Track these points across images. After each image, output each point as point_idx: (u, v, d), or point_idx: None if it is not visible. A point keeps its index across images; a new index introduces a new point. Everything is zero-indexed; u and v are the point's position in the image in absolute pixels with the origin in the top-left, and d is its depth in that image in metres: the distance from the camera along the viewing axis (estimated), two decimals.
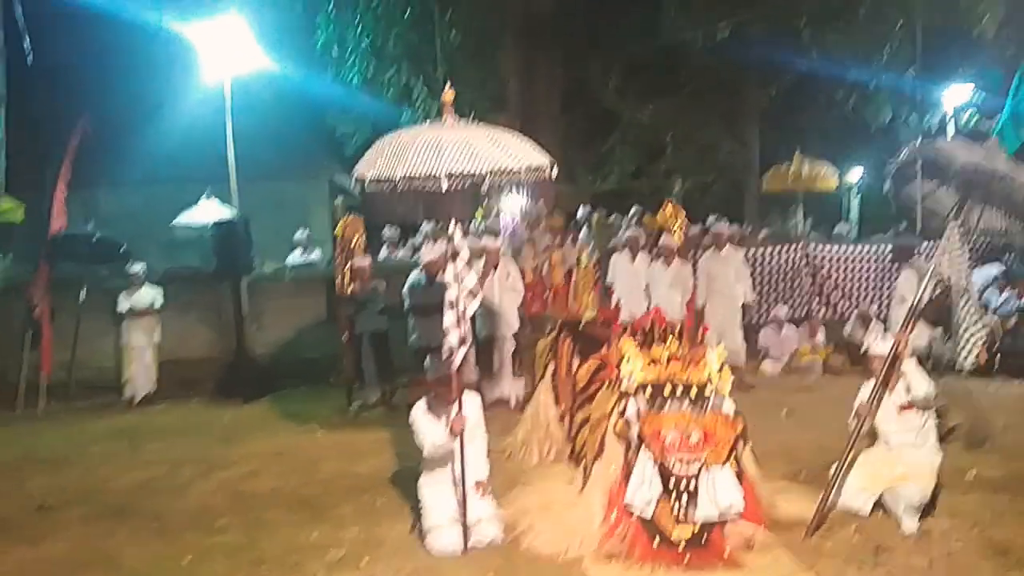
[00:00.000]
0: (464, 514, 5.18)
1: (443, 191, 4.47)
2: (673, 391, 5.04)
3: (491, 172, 4.52)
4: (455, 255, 4.92)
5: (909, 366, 5.49)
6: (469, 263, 5.12)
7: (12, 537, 5.75)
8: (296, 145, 13.91)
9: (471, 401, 5.49)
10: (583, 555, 4.98)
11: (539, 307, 11.12)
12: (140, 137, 12.58)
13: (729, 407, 5.15)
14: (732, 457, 5.07)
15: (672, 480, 4.91)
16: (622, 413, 5.20)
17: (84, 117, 11.24)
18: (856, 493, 5.44)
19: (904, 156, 6.04)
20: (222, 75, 11.10)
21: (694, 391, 5.04)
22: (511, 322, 9.37)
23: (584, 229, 12.22)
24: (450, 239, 4.91)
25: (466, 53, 10.61)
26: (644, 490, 4.94)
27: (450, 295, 4.96)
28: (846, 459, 5.39)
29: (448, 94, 5.04)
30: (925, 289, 5.64)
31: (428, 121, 5.28)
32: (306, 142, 14.22)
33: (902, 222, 11.29)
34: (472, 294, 5.03)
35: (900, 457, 5.47)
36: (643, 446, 5.00)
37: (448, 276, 4.90)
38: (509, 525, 5.37)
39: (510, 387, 9.18)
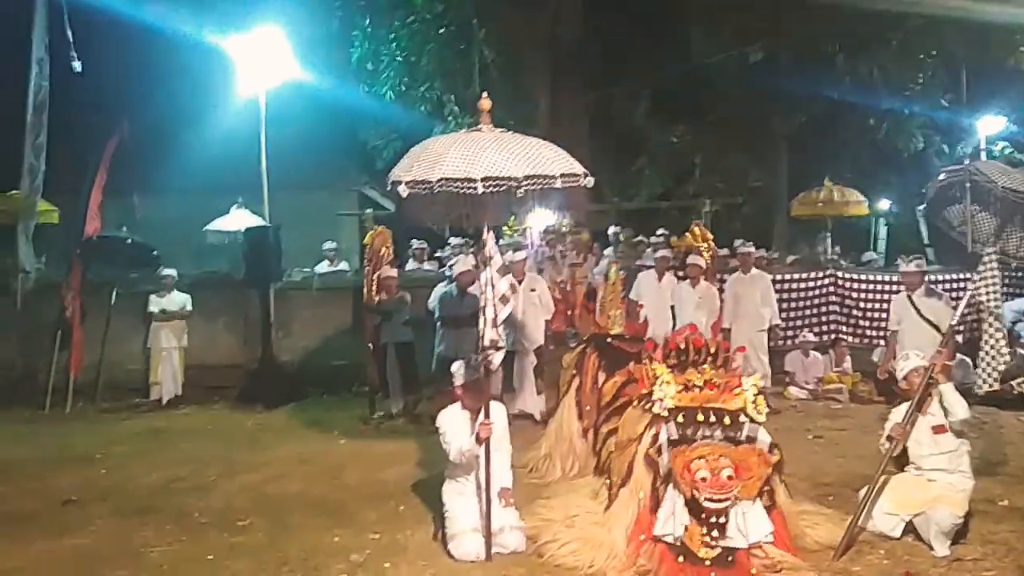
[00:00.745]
0: (488, 522, 5.15)
1: (479, 193, 4.49)
2: (706, 418, 4.96)
3: (527, 177, 4.54)
4: (488, 260, 4.94)
5: (947, 388, 5.40)
6: (501, 269, 5.14)
7: (38, 530, 5.81)
8: (327, 157, 14.07)
9: (498, 410, 5.48)
10: (607, 570, 4.92)
11: (561, 323, 11.15)
12: (176, 146, 12.81)
13: (765, 438, 5.06)
14: (763, 490, 5.00)
15: (703, 515, 4.82)
16: (655, 438, 5.12)
17: (121, 124, 11.48)
18: (886, 517, 5.35)
19: (943, 178, 6.00)
20: (258, 87, 11.27)
21: (727, 419, 4.96)
22: (533, 337, 9.37)
23: (610, 248, 12.24)
24: (483, 244, 4.93)
25: (498, 72, 10.71)
26: (673, 523, 4.87)
27: (483, 300, 4.96)
28: (877, 482, 5.30)
29: (485, 102, 5.09)
30: (961, 312, 5.56)
31: (465, 130, 5.30)
32: (337, 154, 14.38)
33: (927, 250, 11.17)
34: (504, 299, 5.03)
35: (932, 482, 5.38)
36: (671, 482, 4.92)
37: (481, 280, 4.91)
38: (532, 536, 5.34)
39: (533, 402, 9.16)
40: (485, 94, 5.06)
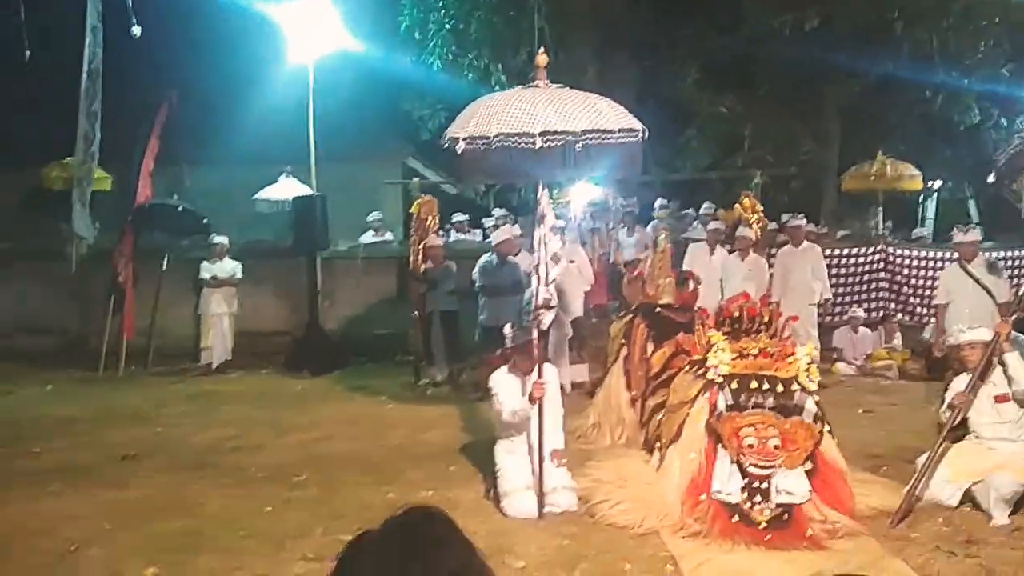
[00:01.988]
0: (540, 481, 5.17)
1: (536, 148, 4.46)
2: (760, 386, 5.00)
3: (584, 132, 4.50)
4: (542, 219, 4.92)
5: (1013, 357, 5.28)
6: (553, 229, 5.12)
7: (97, 482, 5.96)
8: (373, 127, 14.08)
9: (550, 371, 5.48)
10: (660, 528, 4.91)
11: (602, 298, 11.10)
12: (225, 115, 12.90)
13: (811, 407, 5.06)
14: (807, 461, 5.00)
15: (747, 481, 4.91)
16: (714, 406, 5.11)
17: (171, 93, 11.61)
18: (943, 484, 5.25)
19: (1015, 147, 5.81)
20: (306, 57, 11.30)
21: (780, 387, 5.00)
22: (571, 308, 9.34)
23: (652, 223, 12.12)
24: (537, 202, 4.91)
25: (546, 40, 10.62)
26: (730, 482, 4.94)
27: (535, 258, 4.95)
28: (937, 450, 5.20)
29: (541, 58, 5.04)
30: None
31: (520, 87, 5.26)
32: (383, 125, 14.39)
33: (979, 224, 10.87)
34: (556, 258, 5.02)
35: (992, 450, 5.27)
36: (721, 444, 5.00)
37: (535, 238, 4.90)
38: (584, 496, 5.35)
39: (565, 372, 9.11)
40: (543, 49, 5.01)
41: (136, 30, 10.28)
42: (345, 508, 5.28)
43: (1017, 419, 5.30)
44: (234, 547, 4.69)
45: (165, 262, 11.28)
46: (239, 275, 11.05)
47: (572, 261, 9.42)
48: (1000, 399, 5.29)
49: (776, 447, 4.86)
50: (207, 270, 10.93)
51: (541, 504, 5.14)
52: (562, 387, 8.72)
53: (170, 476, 6.10)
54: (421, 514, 1.21)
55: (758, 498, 4.86)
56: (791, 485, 4.88)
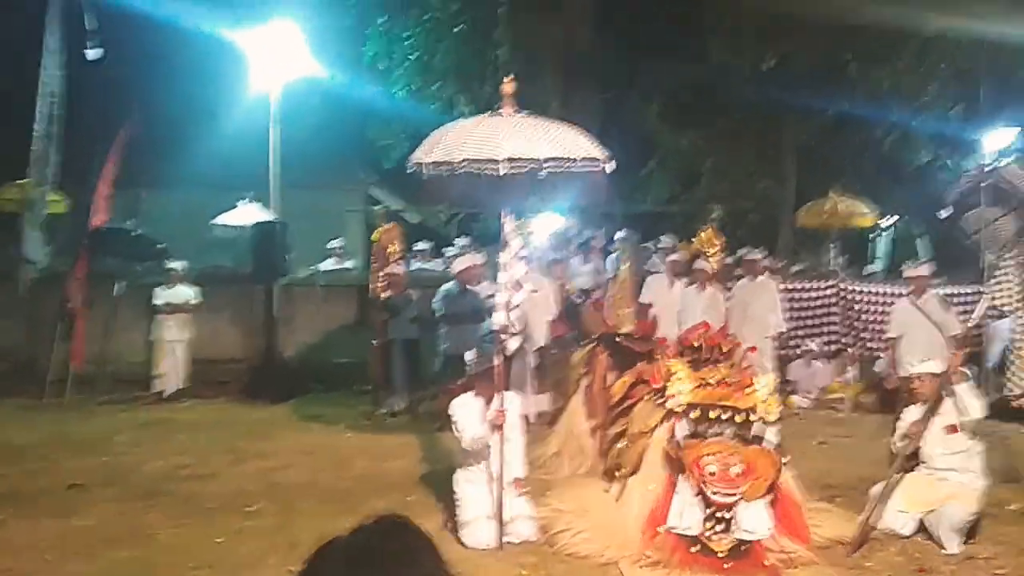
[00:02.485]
0: (500, 510, 5.13)
1: (501, 175, 4.49)
2: (719, 416, 5.03)
3: (549, 159, 4.55)
4: (506, 244, 4.94)
5: (964, 389, 5.42)
6: (517, 255, 5.14)
7: (45, 511, 5.77)
8: (336, 155, 14.05)
9: (511, 399, 5.47)
10: (620, 558, 4.90)
11: (561, 328, 11.12)
12: (186, 140, 12.79)
13: (772, 438, 5.10)
14: (768, 494, 5.01)
15: (711, 509, 4.90)
16: (673, 433, 5.13)
17: (132, 118, 11.47)
18: (896, 515, 5.34)
19: (968, 183, 6.03)
20: (270, 83, 11.28)
21: (739, 417, 5.03)
22: (534, 337, 9.36)
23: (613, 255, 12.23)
24: (502, 228, 4.93)
25: (511, 71, 10.75)
26: (686, 515, 4.92)
27: (500, 283, 4.97)
28: (891, 479, 5.29)
29: (508, 86, 5.10)
30: (980, 315, 5.60)
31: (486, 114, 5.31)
32: (346, 153, 14.37)
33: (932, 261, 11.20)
34: (519, 284, 5.03)
35: (943, 481, 5.38)
36: (683, 474, 4.98)
37: (501, 260, 4.91)
38: (544, 526, 5.33)
39: (530, 402, 9.11)
40: (509, 78, 5.07)
41: (93, 53, 10.20)
42: (301, 538, 5.15)
43: (967, 449, 5.42)
44: None
45: (118, 287, 11.02)
46: (195, 301, 10.81)
47: (536, 291, 9.46)
48: (950, 430, 5.40)
49: (738, 475, 4.87)
50: (161, 296, 10.68)
51: (501, 533, 5.11)
52: (526, 417, 8.77)
53: (120, 505, 5.93)
54: (391, 523, 1.20)
55: (720, 527, 4.85)
56: (752, 523, 4.88)
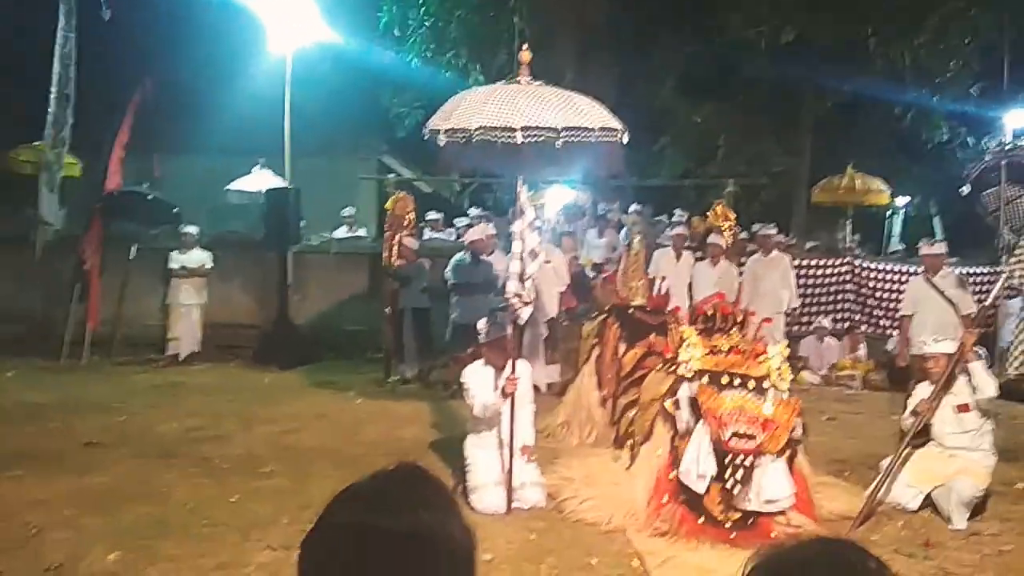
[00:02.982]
0: (509, 477, 5.19)
1: (518, 143, 4.48)
2: (730, 382, 4.95)
3: (565, 128, 4.53)
4: (520, 213, 4.94)
5: (977, 367, 5.41)
6: (531, 225, 5.14)
7: (61, 468, 5.85)
8: (349, 123, 14.02)
9: (522, 367, 5.51)
10: (626, 525, 4.96)
11: (572, 300, 11.13)
12: (200, 105, 12.77)
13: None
14: (787, 449, 4.97)
15: (728, 458, 4.75)
16: (674, 392, 5.15)
17: (146, 81, 11.46)
18: (905, 489, 5.37)
19: (988, 161, 5.97)
20: (285, 49, 11.24)
21: (751, 384, 4.94)
22: (546, 308, 9.39)
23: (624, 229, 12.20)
24: (517, 197, 4.93)
25: (526, 41, 10.68)
26: (698, 465, 4.83)
27: (514, 252, 4.97)
28: (900, 455, 5.31)
29: (525, 54, 5.08)
30: (997, 293, 5.57)
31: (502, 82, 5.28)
32: (359, 120, 14.33)
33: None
34: (533, 254, 5.04)
35: (954, 457, 5.40)
36: (700, 421, 4.89)
37: (515, 229, 4.92)
38: (552, 493, 5.39)
39: (540, 373, 9.15)
40: (526, 46, 5.04)
41: (106, 13, 10.18)
42: (312, 499, 5.22)
43: (978, 428, 5.43)
44: (199, 535, 4.65)
45: (133, 251, 11.09)
46: (209, 265, 10.92)
47: (548, 262, 9.47)
48: (962, 408, 5.41)
49: (757, 418, 4.73)
50: (176, 260, 10.78)
51: (509, 499, 5.17)
52: (536, 387, 8.81)
53: (135, 464, 6.01)
54: (407, 470, 1.23)
55: (740, 474, 4.69)
56: (775, 489, 4.79)
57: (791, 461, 4.98)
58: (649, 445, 5.32)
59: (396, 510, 1.13)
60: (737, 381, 4.98)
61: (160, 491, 5.38)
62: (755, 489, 4.80)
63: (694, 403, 4.96)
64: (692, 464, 4.86)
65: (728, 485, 4.78)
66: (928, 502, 5.38)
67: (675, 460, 5.04)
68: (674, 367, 5.36)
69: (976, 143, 14.42)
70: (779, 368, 5.09)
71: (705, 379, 5.02)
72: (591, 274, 10.36)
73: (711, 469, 4.80)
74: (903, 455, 5.33)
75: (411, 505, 1.14)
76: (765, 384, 5.01)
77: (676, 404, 5.11)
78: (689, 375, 5.09)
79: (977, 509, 5.31)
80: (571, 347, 9.09)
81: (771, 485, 4.84)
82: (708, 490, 4.88)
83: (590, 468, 5.80)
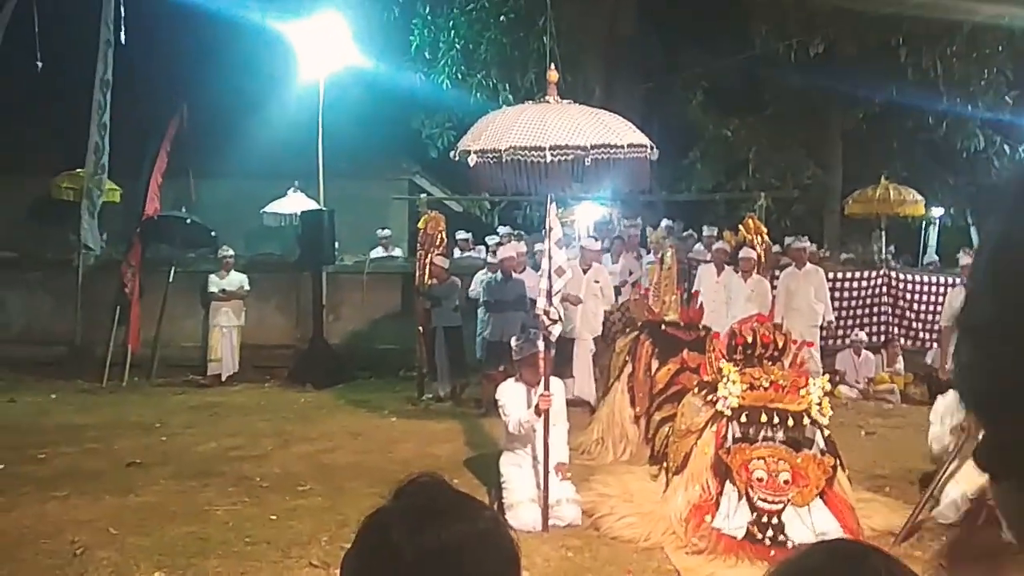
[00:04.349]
0: (545, 494, 5.19)
1: (547, 162, 4.53)
2: (770, 419, 4.90)
3: (594, 147, 4.56)
4: (548, 231, 4.98)
5: None
6: (559, 243, 5.18)
7: (104, 488, 5.97)
8: (381, 145, 14.21)
9: (556, 384, 5.52)
10: (664, 543, 4.92)
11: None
12: (235, 130, 13.03)
13: (820, 440, 4.98)
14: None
15: (756, 513, 4.79)
16: (722, 439, 5.02)
17: (182, 107, 11.75)
18: (953, 504, 5.23)
19: None
20: (317, 74, 11.44)
21: (791, 421, 4.89)
22: (593, 325, 9.41)
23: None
24: (547, 215, 4.98)
25: (555, 61, 10.79)
26: (733, 518, 4.83)
27: (542, 269, 5.01)
28: (946, 470, 5.20)
29: (552, 74, 5.13)
30: None
31: (530, 102, 5.34)
32: (391, 142, 14.53)
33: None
34: (560, 271, 5.07)
35: None
36: (728, 479, 4.88)
37: (544, 247, 4.96)
38: (588, 510, 5.37)
39: (589, 389, 9.16)
40: (553, 66, 5.10)
41: (121, 38, 10.52)
42: (351, 517, 5.28)
43: None
44: (241, 553, 4.71)
45: (172, 274, 11.32)
46: (247, 288, 11.13)
47: (597, 281, 9.49)
48: None
49: (786, 482, 4.74)
50: (215, 284, 10.99)
51: (546, 516, 5.17)
52: (588, 403, 8.80)
53: (176, 483, 6.12)
54: (429, 484, 1.24)
55: (769, 532, 4.73)
56: (819, 522, 4.75)
57: (830, 485, 4.91)
58: (683, 477, 5.19)
59: (433, 526, 1.14)
60: (776, 419, 4.91)
61: (201, 510, 5.46)
62: (798, 526, 4.73)
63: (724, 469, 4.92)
64: (727, 518, 4.82)
65: (761, 533, 4.73)
66: None
67: (716, 498, 4.98)
68: (712, 395, 5.26)
69: (1012, 151, 14.20)
70: (819, 403, 5.01)
71: (744, 416, 4.96)
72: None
73: (746, 518, 4.77)
74: (950, 469, 5.21)
75: (454, 520, 1.16)
76: (805, 420, 4.94)
77: (728, 451, 4.97)
78: (728, 412, 5.01)
79: None
80: (603, 363, 9.09)
81: (819, 521, 4.78)
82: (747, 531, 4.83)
83: (626, 485, 5.77)
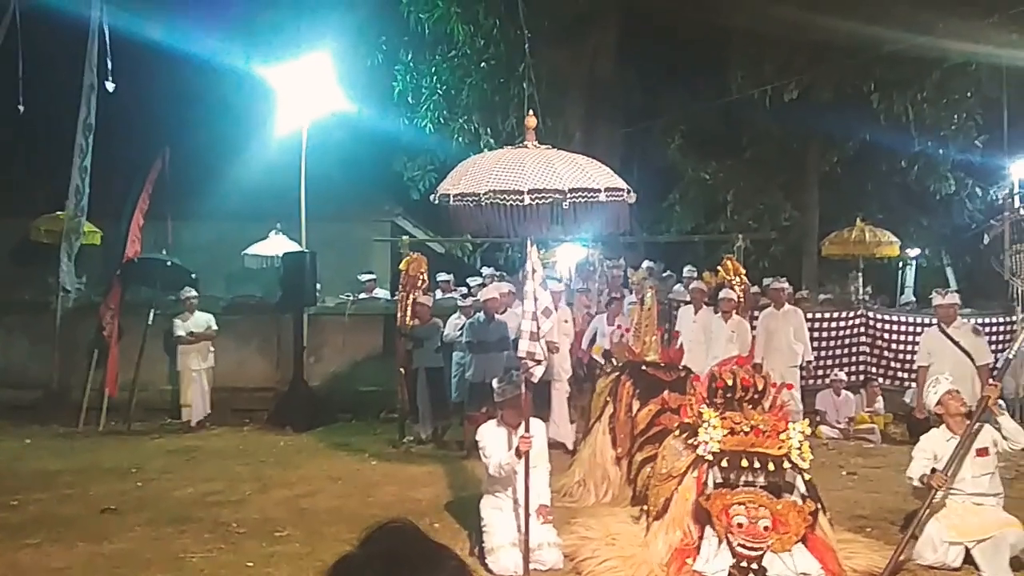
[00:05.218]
0: (526, 538, 5.15)
1: (524, 205, 4.59)
2: (750, 464, 4.92)
3: (572, 190, 4.63)
4: (531, 273, 5.02)
5: (1006, 420, 5.40)
6: (543, 284, 5.21)
7: (78, 535, 5.87)
8: (364, 187, 14.32)
9: (537, 426, 5.51)
10: None
11: (585, 356, 11.08)
12: (217, 172, 13.08)
13: (801, 485, 5.03)
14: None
15: (737, 558, 4.78)
16: (703, 485, 5.03)
17: (164, 150, 11.78)
18: (946, 547, 5.23)
19: (1011, 218, 6.02)
20: (301, 117, 11.55)
21: (771, 465, 4.92)
22: (566, 365, 9.41)
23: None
24: (527, 257, 5.02)
25: (535, 106, 10.98)
26: (714, 563, 4.82)
27: (526, 310, 5.03)
28: (924, 513, 5.21)
29: (531, 120, 5.22)
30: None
31: (509, 147, 5.43)
32: (373, 185, 14.64)
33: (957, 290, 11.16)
34: (547, 312, 5.09)
35: (979, 505, 5.32)
36: (709, 524, 4.89)
37: (527, 289, 4.99)
38: (570, 553, 5.33)
39: (566, 431, 9.13)
40: (531, 112, 5.19)
41: (110, 86, 10.58)
42: (329, 563, 5.20)
43: (993, 471, 5.38)
44: None
45: (151, 316, 11.22)
46: (214, 327, 10.92)
47: (566, 321, 9.52)
48: (980, 453, 5.36)
49: (766, 528, 4.75)
50: (180, 327, 10.75)
51: (527, 561, 5.12)
52: (564, 446, 8.76)
53: (152, 530, 6.02)
54: (399, 530, 1.24)
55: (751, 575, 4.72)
56: (806, 567, 4.74)
57: (811, 529, 4.91)
58: (663, 522, 5.18)
59: (396, 574, 1.14)
60: (756, 464, 4.93)
61: (176, 557, 5.37)
62: (780, 568, 4.73)
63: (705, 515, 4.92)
64: (707, 562, 4.81)
65: None
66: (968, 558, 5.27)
67: (696, 543, 4.96)
68: (693, 439, 5.25)
69: (984, 193, 14.53)
70: (799, 447, 5.03)
71: (724, 461, 4.97)
72: (601, 361, 10.05)
73: (728, 562, 4.76)
74: (928, 510, 5.23)
75: (423, 568, 1.16)
76: (785, 464, 4.97)
77: (707, 498, 4.97)
78: (709, 457, 5.02)
79: (1015, 564, 5.20)
80: (581, 404, 9.07)
81: (801, 564, 4.77)
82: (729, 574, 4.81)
83: (608, 528, 5.73)
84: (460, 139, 12.73)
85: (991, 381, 5.69)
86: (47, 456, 8.80)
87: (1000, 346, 10.40)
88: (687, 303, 10.39)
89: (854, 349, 11.70)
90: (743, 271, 10.47)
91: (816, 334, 11.27)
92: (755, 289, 11.39)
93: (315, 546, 5.57)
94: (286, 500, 6.91)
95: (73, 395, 11.01)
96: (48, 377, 11.40)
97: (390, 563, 1.16)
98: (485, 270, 12.51)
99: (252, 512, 6.51)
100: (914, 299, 13.79)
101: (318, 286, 11.45)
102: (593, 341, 10.25)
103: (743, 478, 4.94)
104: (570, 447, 8.80)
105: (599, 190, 4.70)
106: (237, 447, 9.45)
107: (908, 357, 11.27)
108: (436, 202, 5.01)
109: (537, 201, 4.65)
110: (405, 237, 11.51)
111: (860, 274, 13.92)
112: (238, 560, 5.32)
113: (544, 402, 9.12)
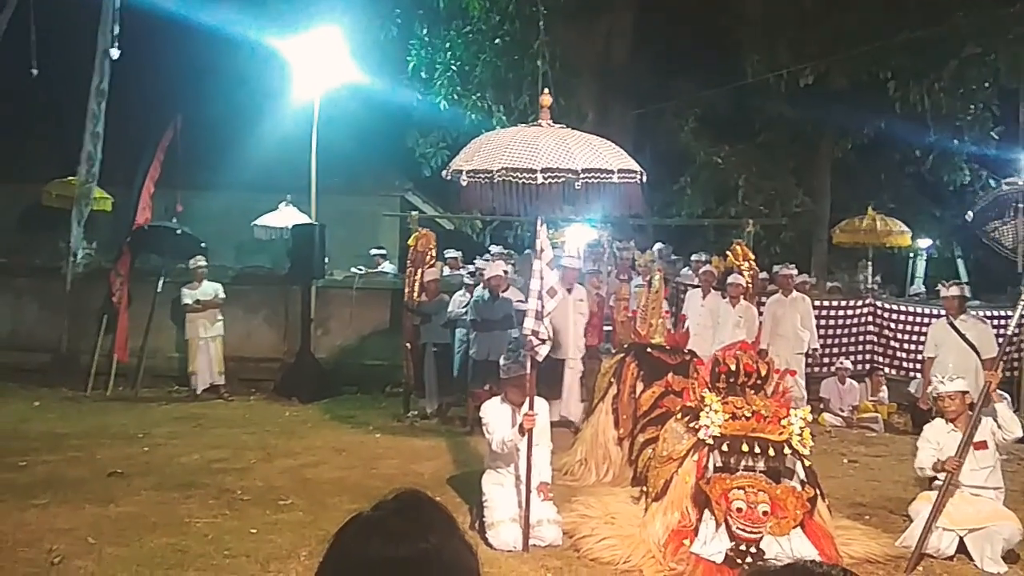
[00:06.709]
0: (526, 513, 5.20)
1: (537, 184, 4.59)
2: (751, 448, 4.94)
3: (585, 170, 4.63)
4: (540, 252, 5.03)
5: (1002, 407, 5.41)
6: (550, 263, 5.23)
7: (84, 497, 5.96)
8: (375, 161, 14.31)
9: (540, 404, 5.55)
10: (643, 565, 4.94)
11: (594, 339, 11.12)
12: (229, 143, 13.08)
13: (800, 471, 5.05)
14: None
15: (735, 540, 4.82)
16: (703, 468, 5.06)
17: (177, 119, 11.77)
18: (941, 534, 5.25)
19: (1005, 190, 6.00)
20: (313, 90, 11.51)
21: (772, 451, 4.94)
22: (580, 345, 9.42)
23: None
24: (536, 236, 5.03)
25: (548, 85, 10.92)
26: (711, 545, 4.87)
27: (532, 289, 5.05)
28: (937, 505, 5.22)
29: (545, 98, 5.21)
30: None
31: (523, 125, 5.41)
32: (385, 159, 14.63)
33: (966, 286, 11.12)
34: (552, 292, 5.11)
35: (976, 496, 5.34)
36: (708, 507, 4.92)
37: (535, 269, 5.00)
38: (569, 531, 5.39)
39: (576, 409, 9.14)
40: (547, 91, 5.18)
41: (115, 52, 10.58)
42: (330, 532, 5.24)
43: (993, 465, 5.40)
44: (219, 566, 4.71)
45: (160, 284, 11.27)
46: (221, 295, 10.91)
47: (581, 300, 9.51)
48: (979, 446, 5.37)
49: (765, 513, 4.78)
50: (188, 295, 10.76)
51: (526, 536, 5.17)
52: (573, 423, 8.79)
53: (157, 495, 6.10)
54: (415, 497, 1.27)
55: (748, 558, 4.75)
56: (803, 552, 4.72)
57: (809, 515, 4.94)
58: (662, 504, 5.22)
59: (401, 538, 1.17)
60: (757, 448, 4.95)
61: (181, 521, 5.45)
62: (778, 551, 4.76)
63: (704, 498, 4.94)
64: (705, 543, 4.85)
65: (740, 561, 4.75)
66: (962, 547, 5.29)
67: (695, 524, 5.00)
68: (694, 423, 5.27)
69: (998, 185, 14.38)
70: (800, 433, 5.05)
71: (725, 445, 5.00)
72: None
73: (725, 544, 4.80)
74: (938, 503, 5.24)
75: (416, 531, 1.19)
76: (785, 450, 5.00)
77: (707, 481, 5.00)
78: (710, 441, 5.04)
79: (1009, 557, 5.23)
80: (589, 384, 9.10)
81: (798, 548, 4.80)
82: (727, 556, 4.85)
83: (607, 507, 5.78)
84: (473, 116, 12.66)
85: (991, 371, 5.68)
86: (55, 419, 8.91)
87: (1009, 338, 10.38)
88: (695, 286, 10.39)
89: (860, 338, 11.68)
90: (752, 256, 10.44)
91: (823, 322, 11.25)
92: (763, 275, 11.37)
93: (318, 515, 5.63)
94: (290, 469, 6.99)
95: (82, 360, 11.10)
96: (57, 341, 11.50)
97: (406, 520, 1.19)
98: (493, 248, 12.50)
99: (256, 480, 6.58)
100: (923, 290, 13.75)
101: (327, 259, 11.47)
102: None
103: (743, 463, 4.98)
104: (580, 426, 8.82)
105: (612, 171, 4.70)
106: (243, 416, 9.54)
107: (914, 347, 11.25)
108: (448, 178, 5.01)
109: (550, 180, 4.65)
110: (414, 212, 11.50)
111: (870, 263, 13.86)
112: (242, 526, 5.39)
113: (557, 379, 9.14)
